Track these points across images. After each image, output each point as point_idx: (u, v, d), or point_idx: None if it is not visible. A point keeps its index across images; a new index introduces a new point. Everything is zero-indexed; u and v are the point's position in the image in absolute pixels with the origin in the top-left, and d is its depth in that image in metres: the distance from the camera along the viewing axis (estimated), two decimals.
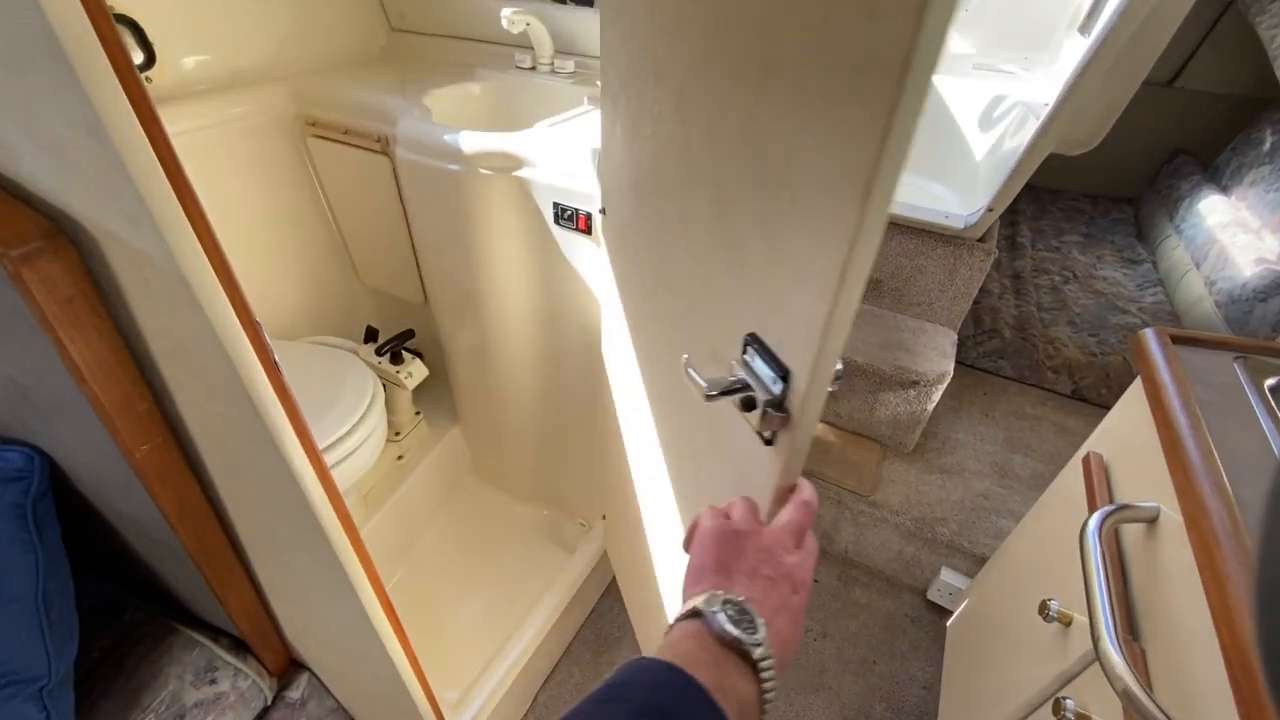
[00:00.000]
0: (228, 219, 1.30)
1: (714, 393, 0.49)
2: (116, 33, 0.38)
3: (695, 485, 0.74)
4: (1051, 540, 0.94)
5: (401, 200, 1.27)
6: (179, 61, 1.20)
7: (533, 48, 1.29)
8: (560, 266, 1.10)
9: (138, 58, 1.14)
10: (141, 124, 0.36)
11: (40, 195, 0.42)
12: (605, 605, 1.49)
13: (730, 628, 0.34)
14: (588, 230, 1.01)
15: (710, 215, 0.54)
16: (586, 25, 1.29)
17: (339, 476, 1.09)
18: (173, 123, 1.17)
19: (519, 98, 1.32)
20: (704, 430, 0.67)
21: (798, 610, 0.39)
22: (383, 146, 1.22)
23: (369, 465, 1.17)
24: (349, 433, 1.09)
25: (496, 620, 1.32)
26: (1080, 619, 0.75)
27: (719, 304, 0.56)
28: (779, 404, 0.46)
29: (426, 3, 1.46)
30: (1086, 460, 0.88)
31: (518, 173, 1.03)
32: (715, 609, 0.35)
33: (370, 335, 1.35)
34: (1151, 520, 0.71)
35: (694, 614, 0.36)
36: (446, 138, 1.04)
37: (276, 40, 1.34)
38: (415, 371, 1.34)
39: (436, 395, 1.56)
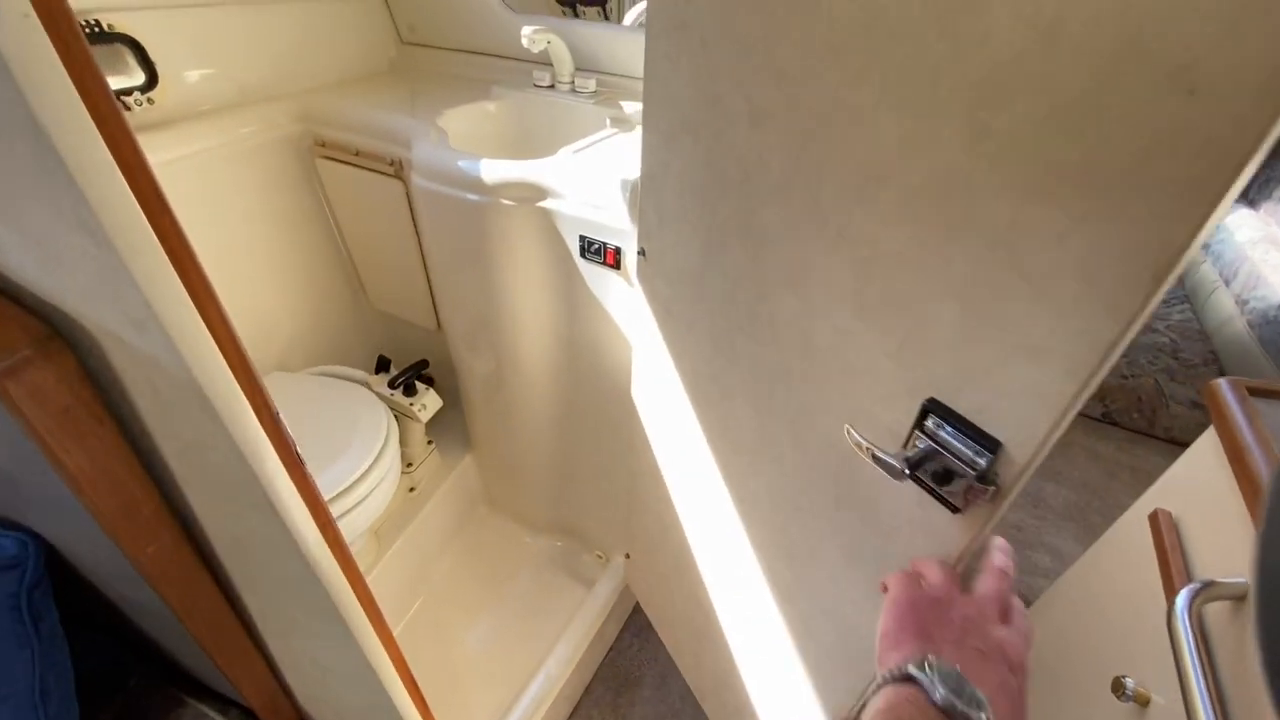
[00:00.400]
0: (233, 240, 1.24)
1: (909, 470, 0.45)
2: (117, 109, 0.32)
3: (810, 545, 0.70)
4: (1115, 603, 0.88)
5: (415, 225, 1.21)
6: (182, 79, 1.13)
7: (552, 65, 1.22)
8: (584, 300, 1.04)
9: (138, 78, 1.07)
10: (149, 217, 0.31)
11: (29, 290, 0.36)
12: (624, 642, 1.44)
13: (955, 699, 0.31)
14: (616, 265, 0.95)
15: (855, 273, 0.50)
16: (608, 42, 1.23)
17: (352, 524, 1.04)
18: (177, 145, 1.10)
19: (538, 118, 1.26)
20: (827, 490, 0.63)
21: (1017, 695, 0.35)
22: (396, 170, 1.16)
23: (383, 507, 1.11)
24: (364, 475, 1.03)
25: (513, 659, 1.27)
26: (1159, 700, 0.70)
27: (868, 365, 0.52)
28: (983, 475, 0.43)
29: (438, 15, 1.40)
30: (1154, 518, 0.82)
31: (541, 203, 0.97)
32: (932, 676, 0.32)
33: (382, 365, 1.30)
34: (1240, 597, 0.66)
35: (905, 678, 0.33)
36: (465, 166, 0.99)
37: (283, 54, 1.28)
38: (429, 403, 1.28)
39: (449, 423, 1.51)
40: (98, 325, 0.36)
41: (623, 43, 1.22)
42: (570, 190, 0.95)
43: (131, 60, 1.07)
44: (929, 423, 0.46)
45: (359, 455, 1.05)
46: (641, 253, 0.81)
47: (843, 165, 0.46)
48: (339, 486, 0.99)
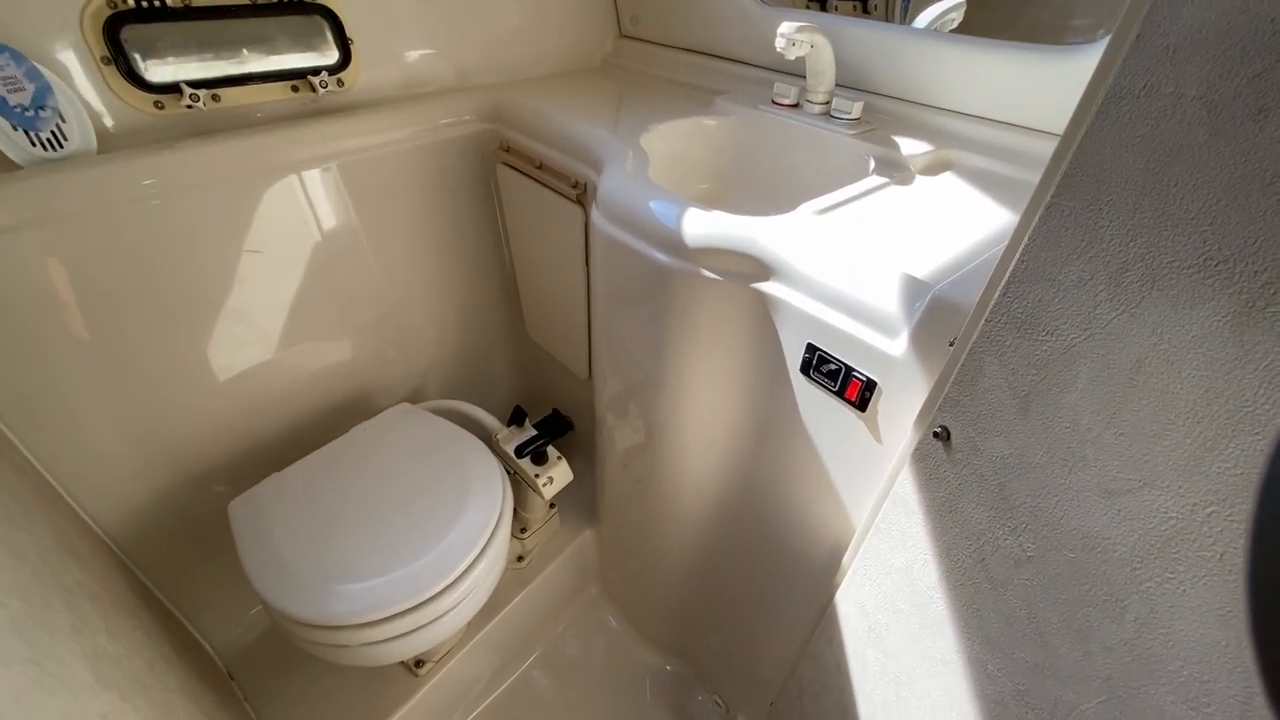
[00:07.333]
0: (401, 242, 1.10)
1: None
2: None
3: None
4: None
5: (588, 265, 0.97)
6: (376, 61, 1.00)
7: (804, 77, 0.90)
8: (788, 429, 0.71)
9: (331, 57, 0.95)
10: None
11: None
12: None
13: None
14: (860, 406, 0.60)
15: None
16: (889, 49, 0.87)
17: (435, 634, 0.83)
18: (360, 135, 0.82)
19: (771, 146, 0.95)
20: None
21: None
22: (579, 194, 0.93)
23: (479, 606, 0.89)
24: (460, 578, 0.81)
25: None
26: None
27: None
28: None
29: (669, 4, 1.14)
30: None
31: (759, 285, 0.66)
32: None
33: (516, 417, 1.09)
34: None
35: None
36: (659, 210, 0.70)
37: (491, 43, 1.11)
38: (558, 476, 1.05)
39: (578, 478, 1.25)
40: None
41: (913, 51, 0.85)
42: (807, 270, 0.62)
43: (328, 35, 0.94)
44: None
45: (460, 547, 0.83)
46: (941, 434, 0.46)
47: None
48: (427, 592, 0.78)
